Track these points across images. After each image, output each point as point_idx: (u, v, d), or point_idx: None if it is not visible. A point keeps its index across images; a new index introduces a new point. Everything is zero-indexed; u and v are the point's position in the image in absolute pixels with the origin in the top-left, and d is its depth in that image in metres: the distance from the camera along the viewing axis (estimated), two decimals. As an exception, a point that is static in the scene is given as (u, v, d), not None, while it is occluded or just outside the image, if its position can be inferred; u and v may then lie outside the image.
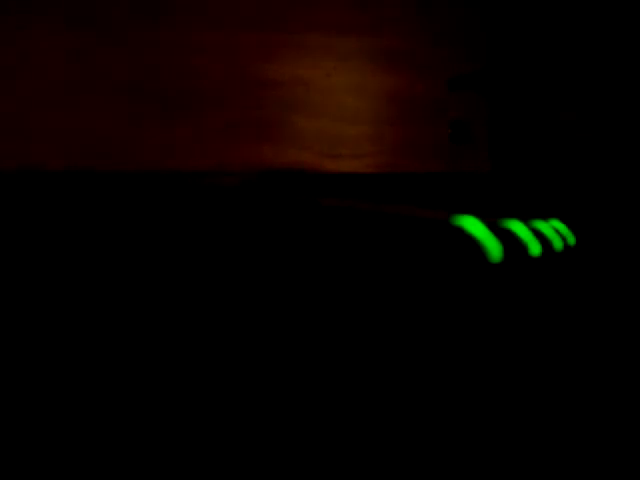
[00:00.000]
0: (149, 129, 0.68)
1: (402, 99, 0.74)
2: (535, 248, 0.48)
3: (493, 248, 0.44)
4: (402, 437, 0.32)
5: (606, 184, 0.75)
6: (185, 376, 0.36)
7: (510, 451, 0.32)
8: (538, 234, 0.52)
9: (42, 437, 0.31)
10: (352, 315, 0.42)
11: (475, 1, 0.75)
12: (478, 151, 0.76)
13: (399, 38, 0.74)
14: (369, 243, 0.48)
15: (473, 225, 0.45)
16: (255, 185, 0.69)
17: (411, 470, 0.30)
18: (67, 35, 0.66)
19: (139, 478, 0.29)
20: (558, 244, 0.52)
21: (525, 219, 0.55)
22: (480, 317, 0.43)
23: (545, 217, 0.59)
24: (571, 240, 0.55)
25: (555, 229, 0.55)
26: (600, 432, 0.34)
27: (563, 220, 0.66)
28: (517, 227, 0.49)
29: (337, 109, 0.73)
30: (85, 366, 0.37)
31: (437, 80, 0.75)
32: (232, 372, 0.37)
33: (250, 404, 0.34)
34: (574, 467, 0.31)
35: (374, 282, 0.45)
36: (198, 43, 0.69)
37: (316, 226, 0.52)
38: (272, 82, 0.71)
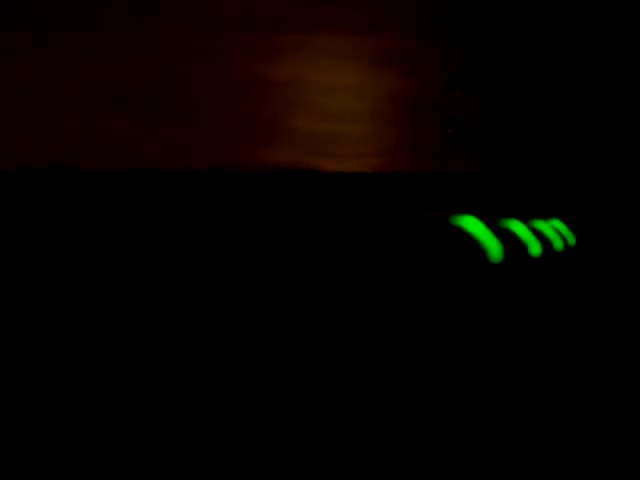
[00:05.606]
0: (148, 129, 0.68)
1: (402, 99, 0.74)
2: (535, 248, 0.48)
3: (493, 248, 0.44)
4: (401, 437, 0.32)
5: (606, 184, 0.75)
6: (188, 376, 0.36)
7: (510, 451, 0.32)
8: (538, 234, 0.52)
9: (41, 437, 0.31)
10: (351, 315, 0.42)
11: (475, 1, 0.75)
12: (478, 150, 0.76)
13: (399, 38, 0.74)
14: (369, 243, 0.48)
15: (473, 225, 0.45)
16: (254, 185, 0.69)
17: (411, 470, 0.30)
18: (64, 35, 0.65)
19: (139, 478, 0.29)
20: (558, 244, 0.52)
21: (525, 219, 0.55)
22: (480, 317, 0.43)
23: (545, 217, 0.59)
24: (571, 240, 0.55)
25: (555, 229, 0.55)
26: (600, 432, 0.34)
27: (563, 220, 0.66)
28: (517, 227, 0.49)
29: (337, 109, 0.73)
30: (80, 367, 0.37)
31: (437, 80, 0.75)
32: (237, 374, 0.37)
33: (258, 402, 0.34)
34: (574, 467, 0.31)
35: (373, 282, 0.45)
36: (196, 43, 0.69)
37: (316, 225, 0.52)
38: (271, 82, 0.71)
